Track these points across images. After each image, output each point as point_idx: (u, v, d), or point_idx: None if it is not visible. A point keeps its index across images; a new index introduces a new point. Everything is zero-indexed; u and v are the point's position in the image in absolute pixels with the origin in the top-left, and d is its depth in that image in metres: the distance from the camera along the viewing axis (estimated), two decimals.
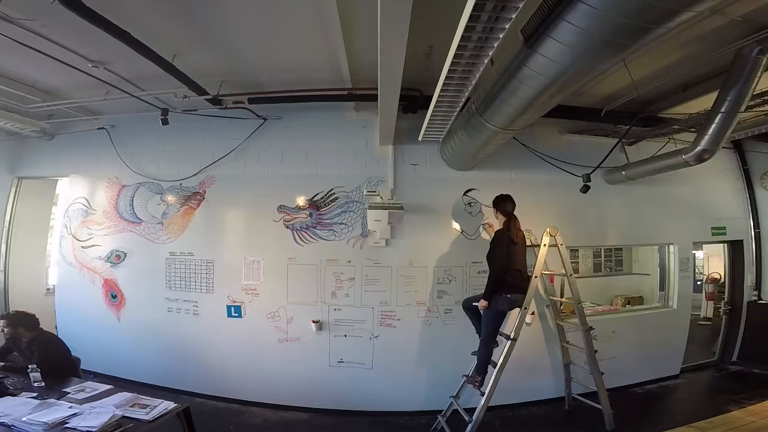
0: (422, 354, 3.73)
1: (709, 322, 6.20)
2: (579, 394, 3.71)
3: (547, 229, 3.43)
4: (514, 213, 3.24)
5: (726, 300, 5.04)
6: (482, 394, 3.05)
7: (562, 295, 4.13)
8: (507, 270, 3.07)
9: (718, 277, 6.23)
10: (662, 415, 3.62)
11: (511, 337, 3.11)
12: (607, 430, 3.32)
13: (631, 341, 4.16)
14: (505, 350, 3.11)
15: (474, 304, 3.21)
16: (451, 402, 3.37)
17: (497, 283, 3.06)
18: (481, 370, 3.14)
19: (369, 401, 3.70)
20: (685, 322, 4.49)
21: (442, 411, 3.42)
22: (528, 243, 3.56)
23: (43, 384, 2.58)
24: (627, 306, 4.83)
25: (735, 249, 4.96)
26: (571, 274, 3.46)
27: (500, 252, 3.10)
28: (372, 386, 3.71)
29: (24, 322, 2.96)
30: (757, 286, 4.85)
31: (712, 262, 6.56)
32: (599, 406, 3.37)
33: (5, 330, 2.94)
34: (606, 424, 3.33)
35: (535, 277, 3.25)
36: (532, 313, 3.64)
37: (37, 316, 3.04)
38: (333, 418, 3.62)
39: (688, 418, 3.48)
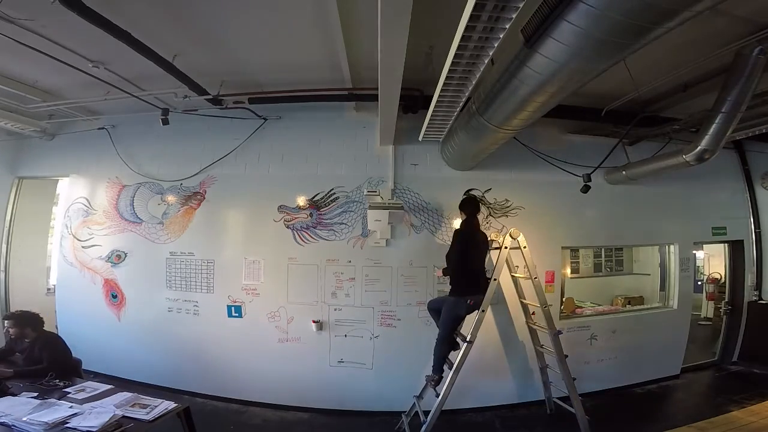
0: (422, 354, 3.71)
1: (710, 322, 6.19)
2: (559, 398, 3.57)
3: (510, 231, 3.32)
4: (476, 215, 3.25)
5: (726, 300, 5.03)
6: (437, 395, 3.03)
7: (563, 295, 4.12)
8: (462, 271, 3.08)
9: (719, 277, 6.23)
10: (662, 415, 3.62)
11: (468, 339, 3.05)
12: None
13: (632, 341, 4.16)
14: (461, 353, 3.06)
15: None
16: (414, 402, 3.35)
17: (454, 280, 3.12)
18: (437, 369, 3.14)
19: (369, 401, 3.70)
20: (685, 322, 4.49)
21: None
22: (495, 246, 3.45)
23: (62, 384, 2.61)
24: (627, 306, 4.82)
25: (735, 249, 4.96)
26: (536, 278, 3.30)
27: (457, 250, 3.11)
28: (372, 386, 3.72)
29: (31, 321, 2.96)
30: (758, 286, 4.84)
31: (713, 262, 6.55)
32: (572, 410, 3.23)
33: (11, 330, 2.93)
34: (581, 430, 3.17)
35: (494, 279, 3.19)
36: (533, 314, 3.63)
37: (41, 316, 3.04)
38: (333, 418, 3.62)
39: (688, 418, 3.48)
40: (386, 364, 3.72)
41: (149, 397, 2.46)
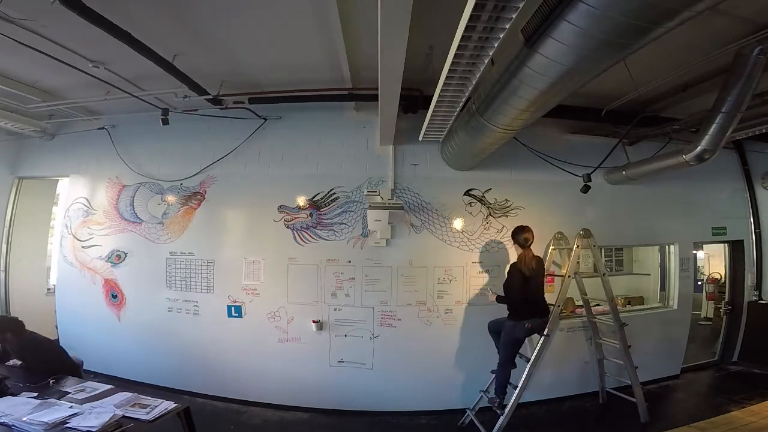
0: (422, 354, 3.72)
1: (710, 322, 6.19)
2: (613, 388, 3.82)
3: (581, 231, 3.59)
4: (530, 244, 3.23)
5: (726, 300, 5.03)
6: (501, 414, 3.07)
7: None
8: (520, 301, 3.11)
9: (719, 277, 6.23)
10: (662, 415, 3.61)
11: (545, 333, 3.19)
12: (642, 423, 3.39)
13: (632, 341, 4.14)
14: (538, 347, 3.17)
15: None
16: (481, 396, 3.40)
17: (511, 310, 3.15)
18: (501, 390, 3.16)
19: (369, 401, 3.70)
20: (685, 322, 4.49)
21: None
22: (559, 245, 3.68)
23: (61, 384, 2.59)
24: (627, 306, 4.81)
25: (735, 249, 4.96)
26: (604, 274, 3.63)
27: (512, 285, 3.13)
28: (372, 386, 3.71)
29: (10, 326, 2.83)
30: (758, 286, 4.84)
31: (713, 262, 6.55)
32: (633, 399, 3.47)
33: None
34: (640, 417, 3.41)
35: (570, 276, 3.41)
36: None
37: (20, 319, 2.90)
38: (333, 418, 3.62)
39: (689, 418, 3.48)
40: (386, 364, 3.72)
41: (149, 397, 2.46)
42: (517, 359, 3.26)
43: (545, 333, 3.17)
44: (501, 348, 3.22)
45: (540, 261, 3.29)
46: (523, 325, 3.08)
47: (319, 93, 3.53)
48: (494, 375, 3.27)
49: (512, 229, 3.37)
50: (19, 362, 2.82)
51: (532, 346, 3.27)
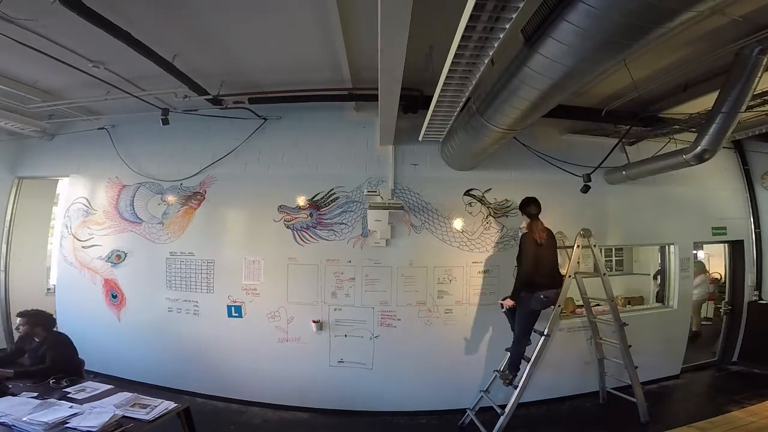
0: (422, 354, 3.72)
1: (710, 322, 6.19)
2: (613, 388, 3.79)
3: (581, 231, 3.53)
4: (539, 215, 3.26)
5: (726, 300, 5.03)
6: (515, 388, 3.08)
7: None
8: (534, 271, 3.09)
9: (719, 277, 6.22)
10: (662, 415, 3.61)
11: (545, 333, 3.16)
12: (642, 423, 3.39)
13: (632, 341, 4.14)
14: (539, 346, 3.15)
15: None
16: (482, 396, 3.40)
17: (524, 283, 3.11)
18: (514, 366, 3.18)
19: (369, 401, 3.70)
20: (685, 322, 4.49)
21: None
22: (559, 244, 3.62)
23: (66, 384, 2.63)
24: (627, 306, 4.81)
25: (735, 249, 4.96)
26: (604, 274, 3.61)
27: (525, 254, 3.13)
28: (372, 386, 3.71)
29: (43, 321, 2.96)
30: (758, 286, 4.84)
31: (713, 262, 6.55)
32: (633, 399, 3.46)
33: (21, 328, 2.91)
34: (640, 417, 3.41)
35: (570, 276, 3.37)
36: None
37: (54, 316, 3.04)
38: (333, 418, 3.62)
39: (689, 418, 3.48)
40: (386, 364, 3.71)
41: (149, 397, 2.46)
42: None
43: (545, 333, 3.16)
44: (517, 322, 3.22)
45: (550, 232, 3.31)
46: (538, 296, 3.07)
47: (319, 93, 3.53)
48: (508, 352, 3.28)
49: (522, 203, 3.36)
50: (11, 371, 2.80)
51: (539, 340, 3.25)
